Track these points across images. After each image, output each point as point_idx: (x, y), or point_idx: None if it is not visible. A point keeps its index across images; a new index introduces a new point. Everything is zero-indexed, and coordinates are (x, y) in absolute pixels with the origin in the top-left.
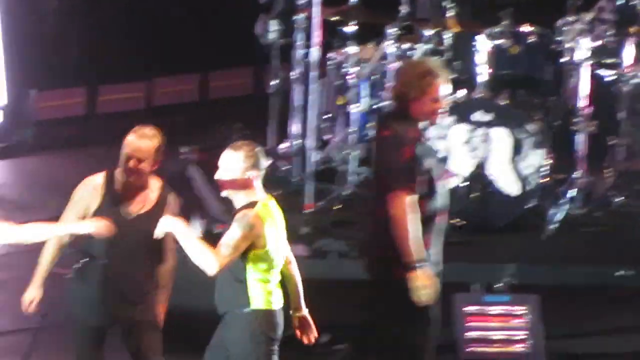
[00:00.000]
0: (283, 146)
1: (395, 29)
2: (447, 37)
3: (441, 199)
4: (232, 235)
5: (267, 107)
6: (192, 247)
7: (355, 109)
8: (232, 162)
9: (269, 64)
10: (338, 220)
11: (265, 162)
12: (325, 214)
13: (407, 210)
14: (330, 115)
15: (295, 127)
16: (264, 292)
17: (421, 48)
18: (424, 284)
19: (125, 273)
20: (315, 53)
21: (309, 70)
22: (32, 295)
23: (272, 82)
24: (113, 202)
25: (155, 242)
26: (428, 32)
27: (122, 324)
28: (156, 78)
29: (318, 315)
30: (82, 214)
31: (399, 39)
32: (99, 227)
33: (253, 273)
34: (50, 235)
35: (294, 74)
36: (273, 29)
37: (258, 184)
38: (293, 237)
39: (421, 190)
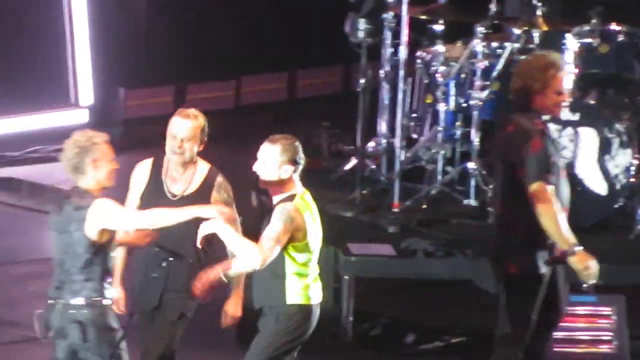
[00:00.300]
0: (371, 145)
1: (484, 27)
2: (536, 35)
3: (564, 194)
4: (274, 228)
5: (355, 106)
6: (236, 243)
7: (443, 108)
8: (270, 155)
9: (357, 62)
10: (425, 219)
11: (303, 157)
12: (412, 213)
13: (552, 199)
14: (418, 114)
15: (383, 126)
16: (301, 287)
17: (510, 46)
18: (585, 265)
19: (167, 257)
20: (403, 51)
21: (397, 69)
22: (114, 295)
23: (361, 81)
24: (157, 183)
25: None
26: (517, 31)
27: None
28: (244, 77)
29: (404, 314)
30: (136, 198)
31: (488, 37)
32: (220, 211)
33: (291, 267)
34: (174, 220)
35: (382, 72)
36: (362, 28)
37: (295, 177)
38: (380, 236)
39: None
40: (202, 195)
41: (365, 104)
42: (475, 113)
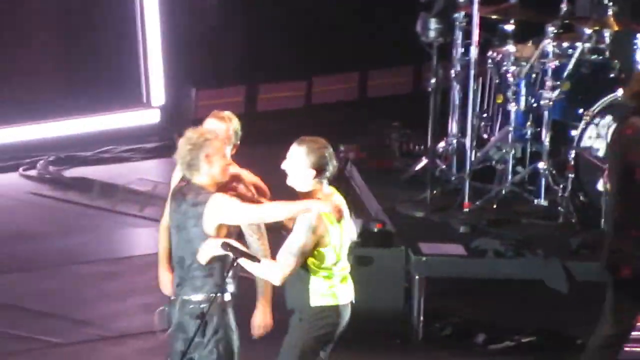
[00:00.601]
0: (441, 145)
1: (555, 27)
2: (607, 35)
3: None
4: (296, 242)
5: (426, 106)
6: (252, 266)
7: (513, 108)
8: (296, 155)
9: (428, 62)
10: (495, 219)
11: (330, 160)
12: (483, 213)
13: None
14: (488, 114)
15: (453, 126)
16: (327, 288)
17: (581, 46)
18: None
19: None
20: (474, 51)
21: (468, 69)
22: (165, 277)
23: (431, 81)
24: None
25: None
26: (588, 30)
27: None
28: (316, 77)
29: (475, 314)
30: None
31: (559, 37)
32: (333, 205)
33: (316, 270)
34: (287, 214)
35: (453, 72)
36: (433, 27)
37: (321, 179)
38: (451, 236)
39: None
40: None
41: (436, 104)
42: (545, 113)
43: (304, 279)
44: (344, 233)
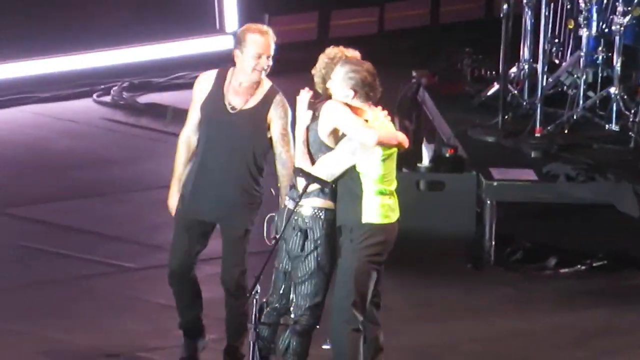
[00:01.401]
0: (513, 70)
1: None
2: None
3: None
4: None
5: (498, 32)
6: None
7: (585, 33)
8: (336, 75)
9: None
10: (567, 144)
11: (371, 83)
12: (554, 138)
13: None
14: (560, 39)
15: (525, 51)
16: (378, 205)
17: None
18: None
19: (219, 169)
20: None
21: None
22: (170, 203)
23: (504, 7)
24: (219, 95)
25: (257, 142)
26: None
27: (209, 223)
28: (388, 3)
29: (545, 238)
30: (198, 107)
31: None
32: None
33: (369, 185)
34: (380, 139)
35: None
36: None
37: (363, 101)
38: (522, 161)
39: None
40: (260, 111)
41: (507, 30)
42: (617, 38)
43: (356, 195)
44: (395, 154)
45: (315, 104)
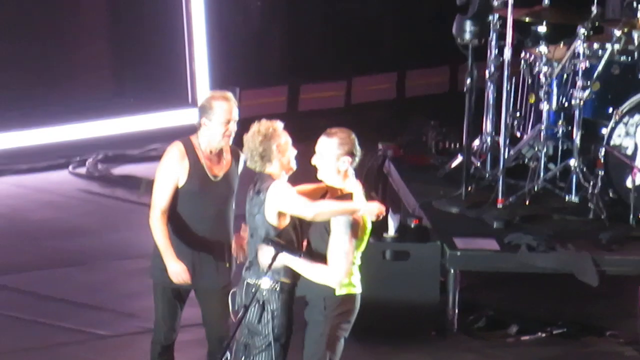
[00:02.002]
0: (476, 143)
1: (586, 29)
2: (636, 36)
3: None
4: (342, 244)
5: (461, 105)
6: (310, 272)
7: (545, 107)
8: (329, 147)
9: (463, 63)
10: (528, 215)
11: (359, 149)
12: (516, 209)
13: None
14: (521, 113)
15: (488, 125)
16: (349, 278)
17: (610, 47)
18: None
19: (216, 234)
20: (508, 52)
21: (502, 69)
22: (178, 268)
23: (467, 81)
24: (199, 168)
25: (233, 202)
26: (617, 32)
27: (200, 287)
28: (355, 77)
29: (508, 306)
30: (175, 184)
31: (589, 39)
32: (377, 210)
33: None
34: (340, 212)
35: (488, 72)
36: (468, 30)
37: (351, 171)
38: (485, 231)
39: None
40: (234, 172)
41: (471, 104)
42: (576, 112)
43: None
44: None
45: (255, 182)
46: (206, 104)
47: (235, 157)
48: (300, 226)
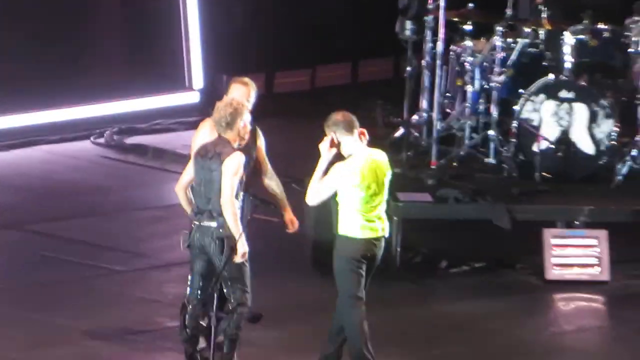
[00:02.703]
0: (415, 118)
1: (502, 27)
2: (542, 33)
3: None
4: (325, 178)
5: (403, 88)
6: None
7: (470, 89)
8: (347, 131)
9: (405, 54)
10: (455, 174)
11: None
12: (446, 169)
13: None
14: (451, 93)
15: (424, 103)
16: (351, 221)
17: (521, 41)
18: None
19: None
20: (440, 46)
21: (435, 60)
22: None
23: (407, 69)
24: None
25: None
26: (527, 29)
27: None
28: (319, 65)
29: (440, 246)
30: None
31: (505, 35)
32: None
33: (345, 205)
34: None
35: (424, 62)
36: (408, 28)
37: (353, 140)
38: (421, 187)
39: None
40: (254, 143)
41: (410, 87)
42: (494, 93)
43: (338, 210)
44: (378, 183)
45: (216, 144)
46: (227, 87)
47: (253, 131)
48: (245, 179)
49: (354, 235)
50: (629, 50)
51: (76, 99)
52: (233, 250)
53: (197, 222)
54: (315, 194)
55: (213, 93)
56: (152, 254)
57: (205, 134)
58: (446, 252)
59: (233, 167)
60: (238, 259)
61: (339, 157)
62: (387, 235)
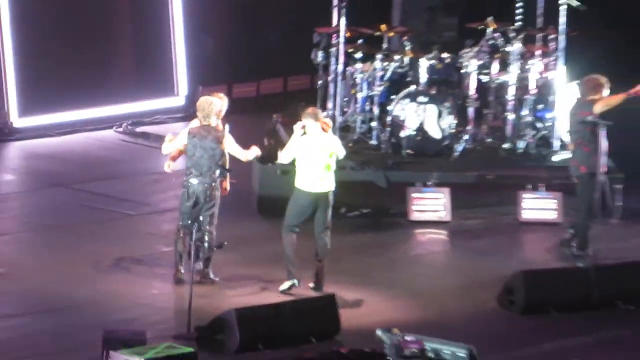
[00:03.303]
0: (324, 114)
1: (381, 55)
2: (406, 59)
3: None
4: (290, 146)
5: (316, 95)
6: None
7: (360, 96)
8: (313, 119)
9: (317, 73)
10: (351, 151)
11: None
12: (346, 148)
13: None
14: (348, 99)
15: (330, 105)
16: (299, 177)
17: (393, 65)
18: None
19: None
20: (340, 67)
21: (337, 76)
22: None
23: (319, 82)
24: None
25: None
26: (397, 57)
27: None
28: (263, 79)
29: (340, 197)
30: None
31: (383, 60)
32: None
33: (300, 165)
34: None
35: (330, 78)
36: (320, 56)
37: (317, 125)
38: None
39: None
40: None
41: (321, 95)
42: (376, 98)
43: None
44: (312, 148)
45: (208, 130)
46: (202, 94)
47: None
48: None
49: (303, 187)
50: (462, 71)
51: (102, 100)
52: (215, 195)
53: (196, 180)
54: (284, 156)
55: (193, 97)
56: (153, 203)
57: (195, 124)
58: (344, 202)
59: (229, 137)
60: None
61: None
62: (327, 190)
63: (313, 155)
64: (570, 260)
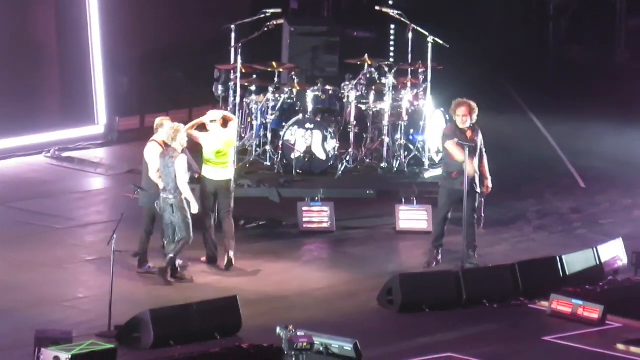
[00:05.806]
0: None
1: (272, 88)
2: (294, 91)
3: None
4: (200, 138)
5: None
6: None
7: (255, 123)
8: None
9: (218, 104)
10: (248, 171)
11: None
12: (243, 168)
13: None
14: (245, 125)
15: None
16: (206, 168)
17: (283, 97)
18: None
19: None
20: (238, 99)
21: (235, 107)
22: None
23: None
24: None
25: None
26: (286, 89)
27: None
28: (170, 110)
29: (242, 212)
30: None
31: (274, 92)
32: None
33: (204, 157)
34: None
35: (230, 108)
36: (220, 90)
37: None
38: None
39: None
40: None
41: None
42: (269, 125)
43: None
44: (215, 141)
45: (170, 150)
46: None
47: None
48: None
49: (206, 175)
50: (344, 100)
51: (32, 129)
52: (182, 209)
53: (163, 195)
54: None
55: (111, 126)
56: (77, 218)
57: (153, 147)
58: (243, 215)
59: (183, 163)
60: (194, 211)
61: None
62: (227, 178)
63: (212, 145)
64: (440, 264)
